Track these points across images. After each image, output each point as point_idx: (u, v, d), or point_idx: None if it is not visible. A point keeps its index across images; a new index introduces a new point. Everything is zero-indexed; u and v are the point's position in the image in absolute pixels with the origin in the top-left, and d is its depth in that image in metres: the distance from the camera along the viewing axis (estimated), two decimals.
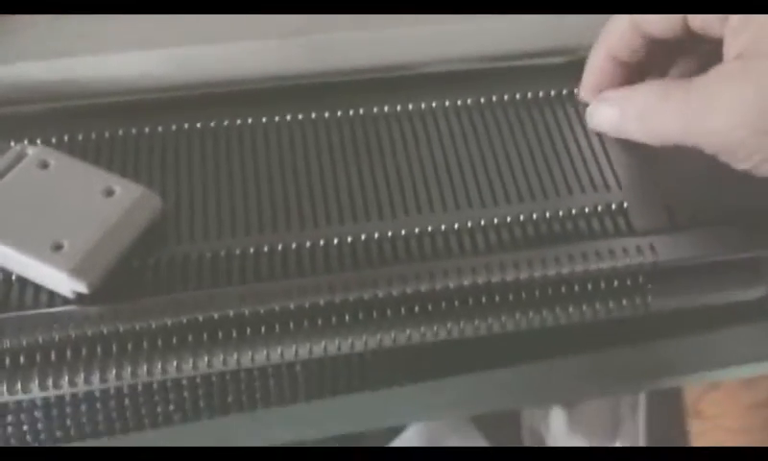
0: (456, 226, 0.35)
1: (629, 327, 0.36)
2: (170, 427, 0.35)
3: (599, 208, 0.36)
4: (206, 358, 0.32)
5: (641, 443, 0.79)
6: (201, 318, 0.31)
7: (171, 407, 0.35)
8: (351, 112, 0.40)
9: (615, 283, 0.34)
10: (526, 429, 0.91)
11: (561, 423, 0.84)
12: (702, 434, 0.81)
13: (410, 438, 0.92)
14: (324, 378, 0.36)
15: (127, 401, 0.34)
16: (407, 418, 0.37)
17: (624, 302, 0.34)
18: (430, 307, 0.34)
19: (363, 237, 0.34)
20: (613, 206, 0.36)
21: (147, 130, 0.38)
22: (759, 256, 0.35)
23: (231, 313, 0.32)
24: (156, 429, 0.35)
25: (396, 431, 0.92)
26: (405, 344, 0.34)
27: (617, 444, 0.83)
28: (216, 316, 0.31)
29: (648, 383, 0.41)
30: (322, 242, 0.34)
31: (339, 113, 0.40)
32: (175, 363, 0.32)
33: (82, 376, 0.32)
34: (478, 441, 0.95)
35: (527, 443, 0.91)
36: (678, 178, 0.37)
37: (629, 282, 0.34)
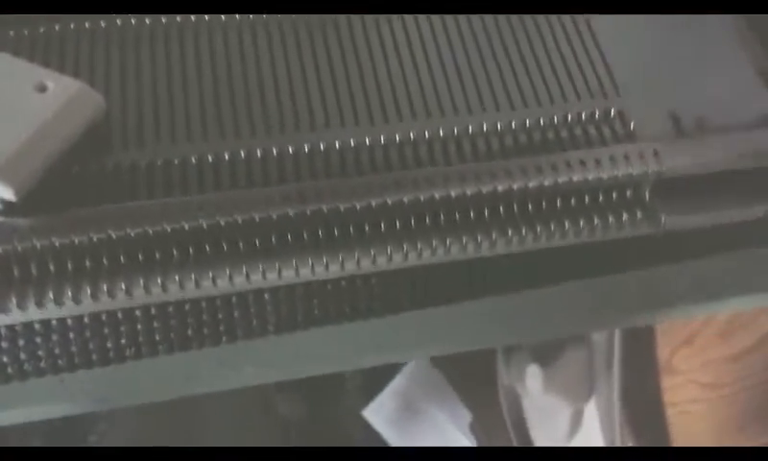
0: (442, 133, 0.30)
1: (624, 251, 0.32)
2: (122, 364, 0.30)
3: (597, 115, 0.31)
4: (160, 281, 0.27)
5: (616, 399, 0.76)
6: (151, 231, 0.26)
7: (122, 341, 0.29)
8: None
9: (615, 195, 0.30)
10: (502, 389, 0.88)
11: (537, 381, 0.81)
12: (674, 389, 0.79)
13: (386, 399, 0.88)
14: (296, 308, 0.31)
15: (71, 335, 0.29)
16: (385, 355, 0.33)
17: (625, 216, 0.30)
18: (413, 223, 0.29)
19: (338, 145, 0.29)
20: (613, 112, 0.31)
21: (88, 25, 0.32)
22: None
23: (187, 226, 0.26)
24: (106, 367, 0.30)
25: (373, 394, 0.88)
26: (386, 267, 0.29)
27: (592, 400, 0.80)
28: (169, 229, 0.26)
29: (645, 314, 0.36)
30: (291, 149, 0.28)
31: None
32: (123, 286, 0.26)
33: (13, 301, 0.26)
34: (455, 402, 0.91)
35: (503, 402, 0.87)
36: (683, 82, 0.32)
37: (630, 194, 0.30)
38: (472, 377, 0.90)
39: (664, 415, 0.79)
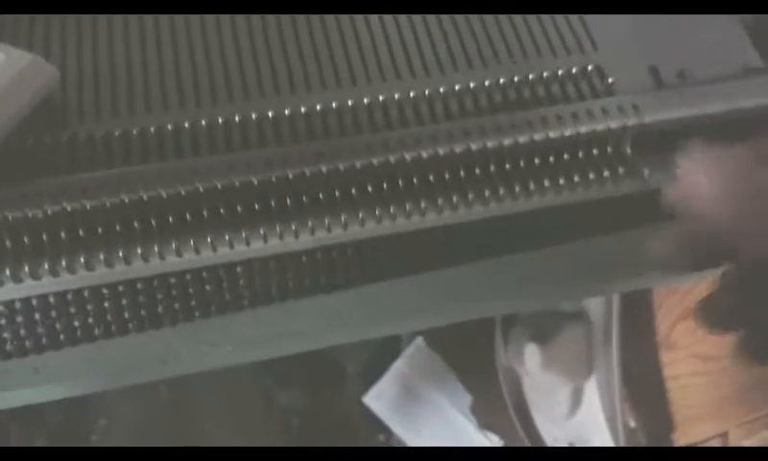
0: (412, 94, 0.29)
1: (610, 211, 0.30)
2: (93, 344, 0.29)
3: (574, 71, 0.30)
4: (121, 254, 0.26)
5: (615, 376, 0.75)
6: (108, 203, 0.25)
7: (89, 320, 0.28)
8: None
9: (595, 152, 0.29)
10: (502, 370, 0.87)
11: (535, 360, 0.80)
12: (674, 363, 0.78)
13: (386, 385, 0.87)
14: (270, 281, 0.29)
15: (36, 315, 0.28)
16: (365, 330, 0.31)
17: (606, 173, 0.29)
18: (385, 187, 0.28)
19: (303, 110, 0.28)
20: (590, 68, 0.30)
21: None
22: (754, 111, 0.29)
23: (146, 196, 0.25)
24: (75, 346, 0.28)
25: (373, 380, 0.87)
26: (359, 235, 0.28)
27: (592, 378, 0.79)
28: (127, 200, 0.25)
29: (635, 279, 0.34)
30: (254, 115, 0.27)
31: None
32: (82, 260, 0.25)
33: None
34: (455, 384, 0.90)
35: (503, 382, 0.86)
36: (661, 34, 0.31)
37: (611, 150, 0.29)
38: (471, 360, 0.89)
39: (664, 390, 0.78)
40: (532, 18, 0.31)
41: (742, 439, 0.72)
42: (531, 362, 0.82)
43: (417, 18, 0.31)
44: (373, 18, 0.31)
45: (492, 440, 0.90)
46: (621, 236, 0.30)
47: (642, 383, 0.79)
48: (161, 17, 0.30)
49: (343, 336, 0.32)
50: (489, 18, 0.31)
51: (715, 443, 0.76)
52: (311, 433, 0.85)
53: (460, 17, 0.31)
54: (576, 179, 0.28)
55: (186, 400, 0.74)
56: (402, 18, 0.31)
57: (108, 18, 0.30)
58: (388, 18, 0.31)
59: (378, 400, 0.88)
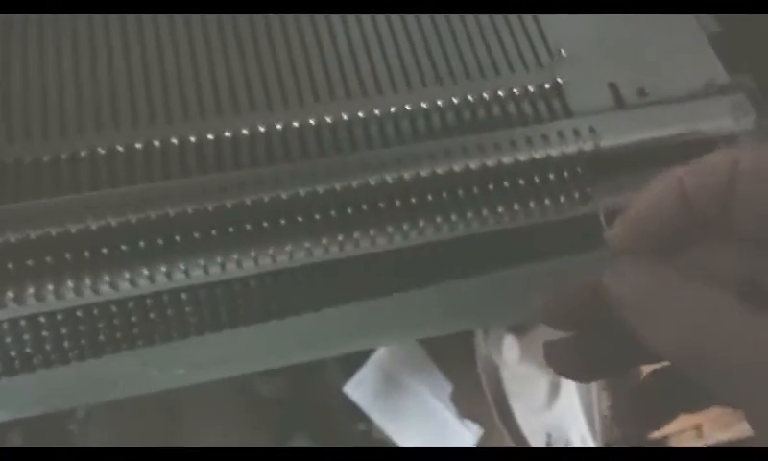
0: (361, 115, 0.27)
1: (569, 230, 0.29)
2: (32, 374, 0.27)
3: (531, 89, 0.28)
4: (52, 287, 0.24)
5: None
6: (33, 236, 0.23)
7: (27, 350, 0.27)
8: None
9: (551, 176, 0.27)
10: (481, 360, 0.86)
11: (514, 352, 0.79)
12: None
13: (367, 374, 0.87)
14: (217, 308, 0.28)
15: None
16: (320, 350, 0.30)
17: (562, 198, 0.27)
18: (334, 214, 0.26)
19: (259, 130, 0.26)
20: (547, 86, 0.28)
21: None
22: (718, 135, 0.28)
23: (77, 228, 0.23)
24: (13, 377, 0.27)
25: (353, 370, 0.87)
26: (322, 258, 0.26)
27: None
28: (54, 233, 0.23)
29: None
30: (192, 138, 0.25)
31: None
32: (11, 294, 0.24)
33: None
34: (435, 374, 0.89)
35: (482, 373, 0.86)
36: (623, 48, 0.29)
37: (566, 174, 0.27)
38: (452, 349, 0.88)
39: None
40: (490, 34, 0.29)
41: (718, 432, 0.71)
42: (509, 354, 0.81)
43: (371, 35, 0.29)
44: (340, 36, 0.29)
45: (471, 429, 0.89)
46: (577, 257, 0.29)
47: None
48: (98, 41, 0.28)
49: (292, 358, 0.31)
50: (445, 33, 0.29)
51: (690, 435, 0.76)
52: (291, 423, 0.84)
53: (415, 32, 0.29)
54: (531, 205, 0.27)
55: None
56: (356, 35, 0.29)
57: (39, 32, 0.27)
58: (325, 41, 0.29)
59: (359, 389, 0.88)
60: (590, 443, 0.75)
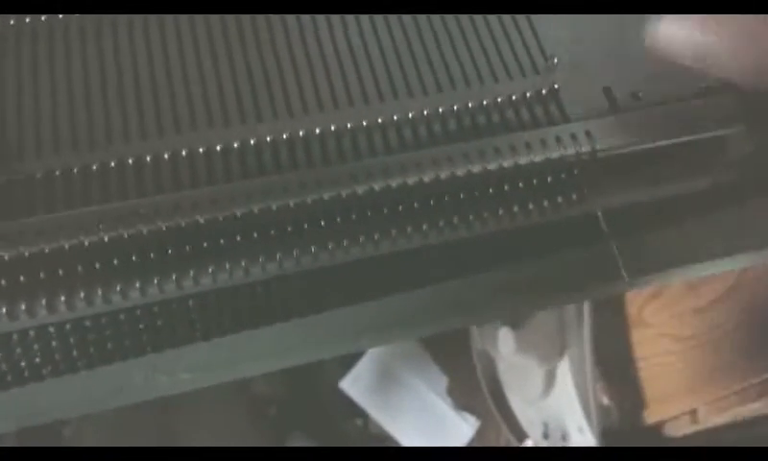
0: (365, 123, 0.28)
1: (567, 229, 0.30)
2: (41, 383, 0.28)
3: (528, 95, 0.29)
4: (63, 298, 0.25)
5: (587, 356, 0.76)
6: (47, 249, 0.24)
7: (37, 360, 0.28)
8: None
9: (549, 179, 0.28)
10: (476, 353, 0.88)
11: (509, 343, 0.80)
12: (645, 342, 0.79)
13: (363, 369, 0.88)
14: (223, 313, 0.29)
15: None
16: (322, 351, 0.31)
17: (560, 199, 0.28)
18: (338, 220, 0.27)
19: (256, 141, 0.27)
20: (544, 92, 0.29)
21: None
22: (709, 138, 0.29)
23: (87, 241, 0.24)
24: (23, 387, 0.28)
25: (349, 365, 0.88)
26: (311, 266, 0.27)
27: (565, 359, 0.80)
28: (67, 246, 0.24)
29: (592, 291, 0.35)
30: (202, 148, 0.26)
31: None
32: (23, 306, 0.25)
33: None
34: (431, 367, 0.91)
35: (478, 365, 0.87)
36: (617, 53, 0.30)
37: (564, 176, 0.28)
38: (447, 342, 0.89)
39: (636, 369, 0.79)
40: (487, 40, 0.30)
41: (713, 416, 0.73)
42: (504, 346, 0.82)
43: (371, 40, 0.30)
44: (327, 44, 0.30)
45: (468, 421, 0.91)
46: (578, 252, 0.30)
47: (614, 362, 0.80)
48: (107, 52, 0.29)
49: (297, 358, 0.32)
50: (444, 40, 0.30)
51: (685, 420, 0.77)
52: (288, 420, 0.85)
53: (415, 40, 0.30)
54: (530, 207, 0.28)
55: None
56: (356, 40, 0.30)
57: (50, 53, 0.28)
58: (327, 45, 0.30)
59: (355, 384, 0.89)
60: (587, 431, 0.76)
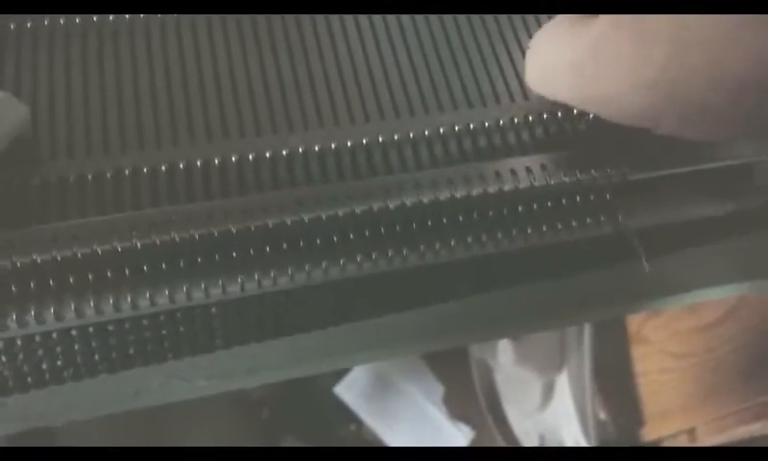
0: (396, 137, 0.28)
1: (594, 249, 0.31)
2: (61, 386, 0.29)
3: (559, 115, 0.30)
4: (92, 303, 0.25)
5: (587, 370, 0.77)
6: (80, 254, 0.24)
7: (59, 363, 0.28)
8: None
9: (578, 199, 0.29)
10: (474, 362, 0.88)
11: (508, 355, 0.81)
12: (644, 358, 0.80)
13: (358, 375, 0.88)
14: (246, 321, 0.29)
15: (3, 358, 0.27)
16: (336, 362, 0.32)
17: (588, 220, 0.29)
18: (367, 233, 0.27)
19: (272, 153, 0.27)
20: (560, 114, 0.30)
21: (13, 26, 0.29)
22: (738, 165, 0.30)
23: (120, 247, 0.24)
24: (41, 390, 0.28)
25: (344, 371, 0.88)
26: (324, 279, 0.28)
27: (564, 372, 0.81)
28: (99, 251, 0.24)
29: (597, 313, 0.36)
30: (234, 157, 0.27)
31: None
32: (52, 310, 0.25)
33: None
34: (427, 375, 0.91)
35: (476, 376, 0.88)
36: None
37: (593, 198, 0.29)
38: (444, 351, 0.90)
39: (635, 384, 0.80)
40: (505, 61, 0.30)
41: (711, 436, 0.74)
42: (504, 357, 0.83)
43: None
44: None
45: (463, 431, 0.91)
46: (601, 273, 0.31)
47: (613, 377, 0.80)
48: (140, 55, 0.29)
49: (314, 368, 0.33)
50: (488, 55, 0.30)
51: (683, 438, 0.78)
52: (280, 424, 0.85)
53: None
54: (559, 226, 0.28)
55: None
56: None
57: (83, 47, 0.28)
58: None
59: (350, 390, 0.89)
60: (584, 445, 0.77)
